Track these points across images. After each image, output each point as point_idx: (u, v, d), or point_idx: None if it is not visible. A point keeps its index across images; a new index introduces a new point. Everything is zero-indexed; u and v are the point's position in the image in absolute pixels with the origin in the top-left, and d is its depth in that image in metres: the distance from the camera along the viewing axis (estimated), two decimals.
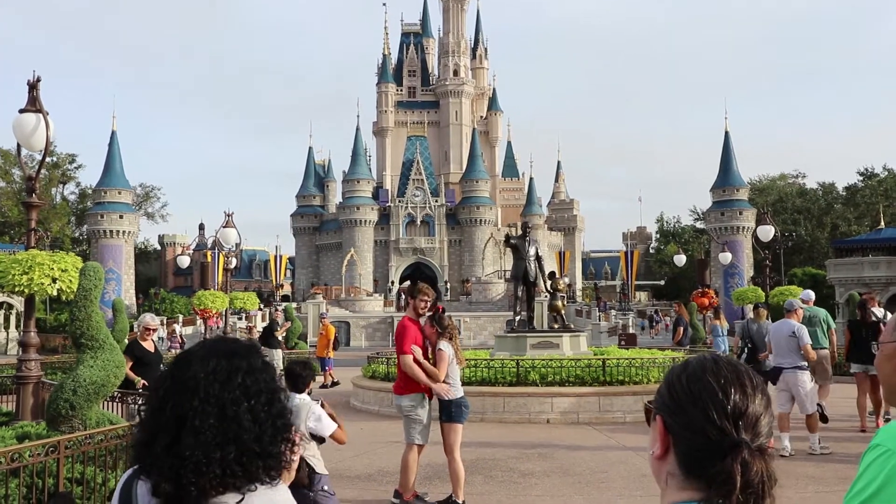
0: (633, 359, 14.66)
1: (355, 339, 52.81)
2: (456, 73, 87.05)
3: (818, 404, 10.49)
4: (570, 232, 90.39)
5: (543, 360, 14.44)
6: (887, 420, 11.43)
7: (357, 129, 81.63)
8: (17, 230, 62.46)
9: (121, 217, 59.64)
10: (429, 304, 7.70)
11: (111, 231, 59.31)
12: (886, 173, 70.75)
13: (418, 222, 78.44)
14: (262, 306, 50.96)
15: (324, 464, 5.45)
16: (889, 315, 12.43)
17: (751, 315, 13.79)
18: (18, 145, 9.16)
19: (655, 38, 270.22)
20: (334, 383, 20.38)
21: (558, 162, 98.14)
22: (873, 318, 12.59)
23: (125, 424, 6.80)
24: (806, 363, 10.21)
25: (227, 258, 27.83)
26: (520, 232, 16.98)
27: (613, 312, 54.30)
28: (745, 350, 12.62)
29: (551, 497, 7.95)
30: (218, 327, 33.10)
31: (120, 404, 9.33)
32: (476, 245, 77.81)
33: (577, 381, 13.58)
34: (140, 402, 8.62)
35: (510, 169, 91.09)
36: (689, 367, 1.39)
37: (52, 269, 8.36)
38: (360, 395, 15.70)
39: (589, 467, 9.27)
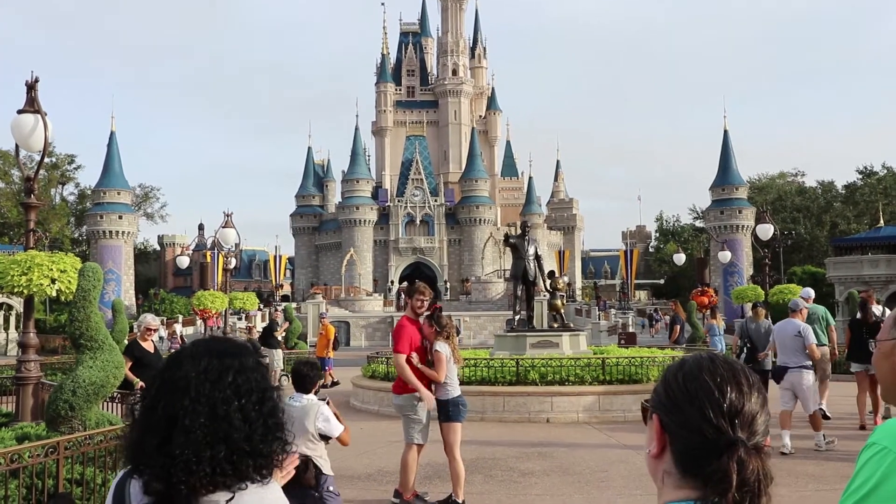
0: (633, 358, 14.66)
1: (355, 339, 52.83)
2: (455, 72, 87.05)
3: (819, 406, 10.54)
4: (569, 231, 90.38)
5: (543, 359, 14.44)
6: (885, 419, 11.44)
7: (356, 128, 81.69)
8: (17, 231, 62.37)
9: (120, 218, 59.63)
10: (426, 304, 7.69)
11: (110, 232, 59.30)
12: (886, 171, 70.78)
13: (417, 222, 78.43)
14: (261, 306, 50.97)
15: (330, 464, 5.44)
16: (888, 312, 12.43)
17: (749, 314, 13.80)
18: (17, 146, 9.16)
19: (655, 37, 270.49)
20: (334, 383, 20.38)
21: (557, 161, 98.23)
22: (874, 318, 12.60)
23: (124, 425, 6.80)
24: (811, 362, 10.28)
25: (227, 258, 27.86)
26: (519, 231, 16.97)
27: (613, 311, 54.36)
28: (745, 349, 12.64)
29: (551, 496, 7.95)
30: (218, 327, 33.12)
31: (119, 405, 9.33)
32: (475, 244, 77.80)
33: (576, 380, 13.58)
34: (134, 401, 8.64)
35: (509, 168, 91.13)
36: (685, 365, 1.39)
37: (52, 269, 8.36)
38: (359, 394, 15.71)
39: (589, 466, 9.27)
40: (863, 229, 59.46)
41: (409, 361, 7.40)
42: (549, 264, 54.81)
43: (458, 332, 17.20)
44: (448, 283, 75.58)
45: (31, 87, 8.86)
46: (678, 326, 22.22)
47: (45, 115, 8.79)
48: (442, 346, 7.42)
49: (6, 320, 47.34)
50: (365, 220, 77.51)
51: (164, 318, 45.14)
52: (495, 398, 13.26)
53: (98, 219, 59.35)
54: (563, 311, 17.71)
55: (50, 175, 70.54)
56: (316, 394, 5.51)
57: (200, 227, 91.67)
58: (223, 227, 25.83)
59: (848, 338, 13.06)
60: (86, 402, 7.09)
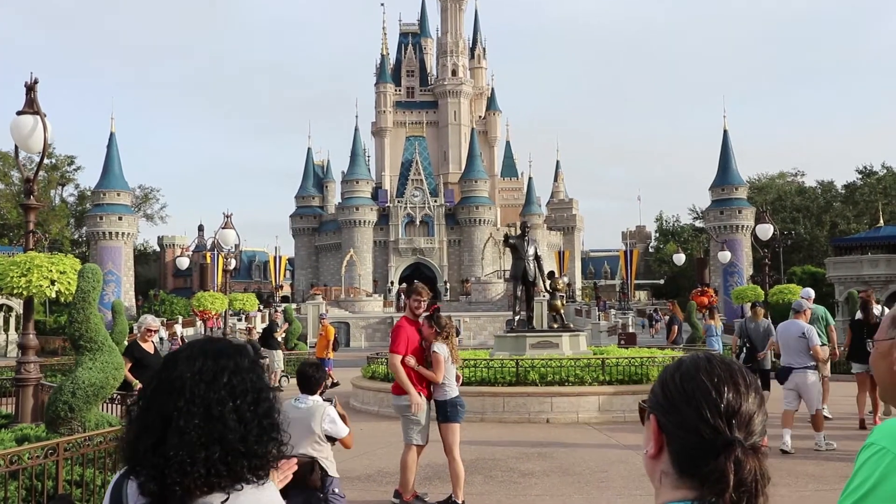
0: (633, 358, 14.66)
1: (355, 340, 52.86)
2: (454, 72, 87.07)
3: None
4: (569, 231, 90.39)
5: (543, 359, 14.44)
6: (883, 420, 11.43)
7: (356, 129, 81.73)
8: (16, 232, 62.38)
9: (120, 219, 59.69)
10: (424, 304, 7.68)
11: (110, 233, 59.34)
12: (885, 171, 70.81)
13: (417, 222, 78.44)
14: (261, 307, 50.96)
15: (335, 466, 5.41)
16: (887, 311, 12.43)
17: (749, 314, 13.80)
18: (16, 147, 9.16)
19: (655, 37, 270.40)
20: (334, 384, 20.37)
21: (557, 161, 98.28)
22: (876, 319, 12.60)
23: (123, 426, 6.79)
24: (815, 363, 10.29)
25: (227, 259, 27.82)
26: (519, 232, 16.97)
27: (613, 312, 54.36)
28: (744, 349, 12.64)
29: (551, 497, 7.94)
30: (218, 328, 33.12)
31: (119, 406, 9.32)
32: (475, 245, 77.82)
33: (576, 380, 13.58)
34: (131, 402, 8.62)
35: (509, 169, 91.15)
36: (682, 365, 1.40)
37: (51, 271, 8.36)
38: (359, 395, 15.72)
39: (589, 467, 9.27)
40: (862, 229, 59.49)
41: (404, 363, 7.39)
42: (549, 265, 54.83)
43: (457, 333, 17.20)
44: (448, 284, 75.60)
45: (30, 88, 8.86)
46: (676, 327, 22.25)
47: (45, 116, 8.79)
48: (440, 347, 7.41)
49: (6, 322, 47.34)
50: (365, 221, 77.53)
51: (164, 320, 45.14)
52: (495, 399, 13.25)
53: (98, 220, 59.41)
54: (562, 311, 17.72)
55: (49, 176, 70.58)
56: (321, 395, 5.49)
57: (200, 228, 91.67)
58: (223, 228, 25.82)
59: (849, 338, 13.06)
60: (85, 403, 7.09)
